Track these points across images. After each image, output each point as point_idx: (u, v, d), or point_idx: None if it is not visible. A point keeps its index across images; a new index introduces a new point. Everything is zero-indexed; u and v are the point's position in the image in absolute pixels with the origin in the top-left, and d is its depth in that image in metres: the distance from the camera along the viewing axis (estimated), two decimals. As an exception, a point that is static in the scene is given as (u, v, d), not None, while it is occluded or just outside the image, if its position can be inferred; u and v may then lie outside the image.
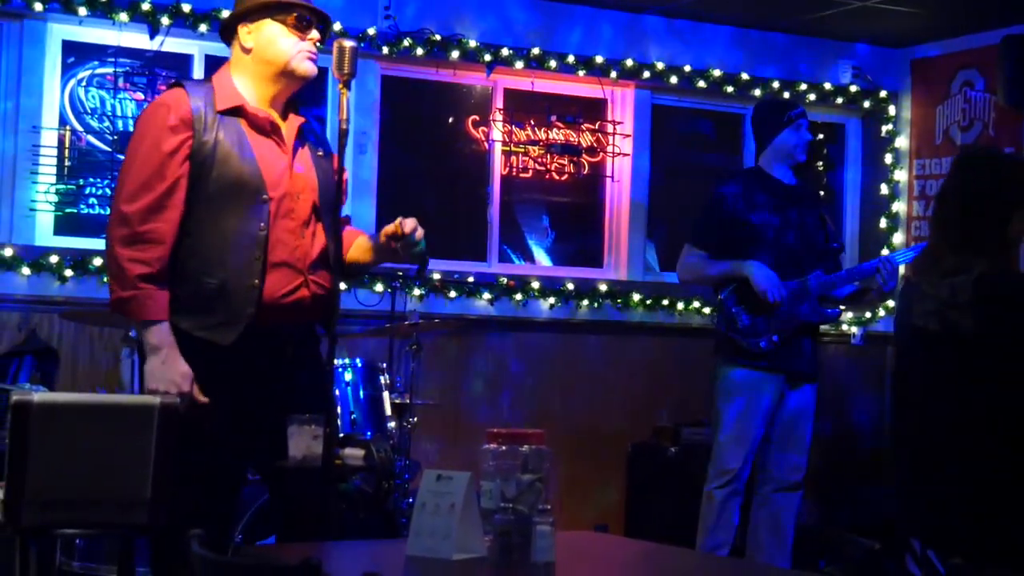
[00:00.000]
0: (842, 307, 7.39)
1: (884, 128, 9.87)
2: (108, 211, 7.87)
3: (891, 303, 9.37)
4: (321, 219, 4.69)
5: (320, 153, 4.77)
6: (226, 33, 4.79)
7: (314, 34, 4.67)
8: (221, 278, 4.54)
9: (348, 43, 4.49)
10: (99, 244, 7.91)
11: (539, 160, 9.03)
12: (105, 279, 7.74)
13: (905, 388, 4.67)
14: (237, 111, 4.61)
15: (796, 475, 7.23)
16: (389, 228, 4.62)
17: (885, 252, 9.66)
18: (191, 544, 3.24)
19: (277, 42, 4.65)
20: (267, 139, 4.65)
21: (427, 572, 3.48)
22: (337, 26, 8.14)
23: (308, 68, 4.66)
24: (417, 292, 8.41)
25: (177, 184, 4.53)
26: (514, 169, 8.99)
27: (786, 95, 9.42)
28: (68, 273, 7.73)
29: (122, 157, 7.81)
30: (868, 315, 9.75)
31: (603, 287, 9.04)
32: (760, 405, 7.07)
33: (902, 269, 7.15)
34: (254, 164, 4.57)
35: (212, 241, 4.56)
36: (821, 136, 9.92)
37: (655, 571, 3.94)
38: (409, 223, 4.60)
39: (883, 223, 9.83)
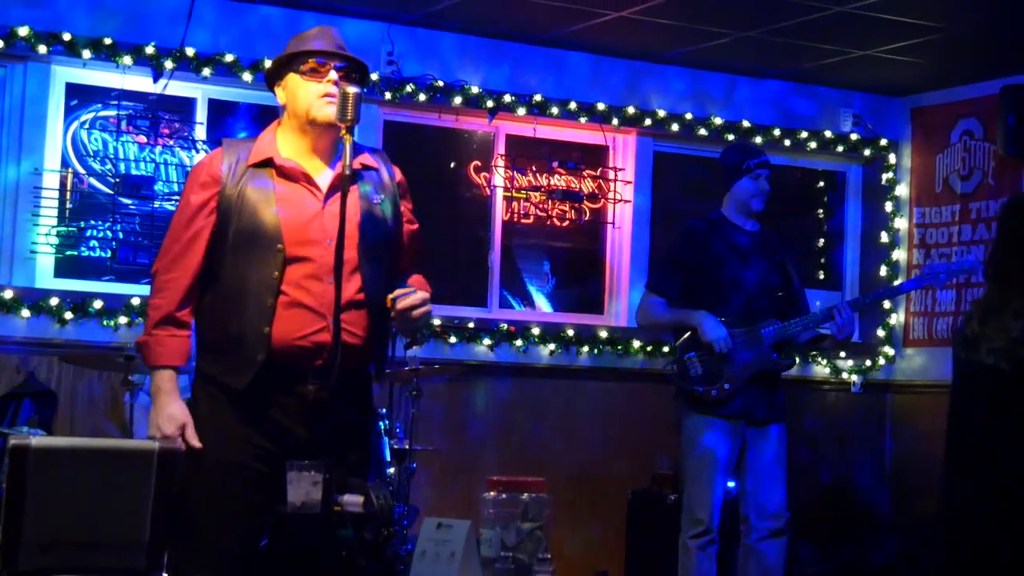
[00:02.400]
0: (797, 356, 7.35)
1: (884, 176, 9.87)
2: (108, 254, 7.94)
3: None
4: (361, 265, 4.67)
5: (379, 199, 4.75)
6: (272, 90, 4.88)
7: (332, 75, 4.64)
8: (238, 325, 4.59)
9: (352, 89, 4.47)
10: (99, 287, 7.91)
11: (540, 206, 9.02)
12: (104, 322, 7.75)
13: (967, 426, 4.67)
14: (268, 163, 4.67)
15: (778, 522, 7.14)
16: (391, 295, 4.61)
17: (887, 305, 9.65)
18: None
19: (297, 93, 4.67)
20: (299, 188, 4.68)
21: None
22: (340, 71, 8.13)
23: (326, 114, 4.62)
24: (418, 337, 8.39)
25: (199, 235, 4.64)
26: (515, 215, 8.99)
27: (787, 143, 9.43)
28: (68, 316, 7.70)
29: (123, 200, 7.95)
30: (868, 363, 9.71)
31: (603, 334, 9.01)
32: (722, 452, 7.02)
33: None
34: (274, 215, 4.61)
35: (231, 289, 4.62)
36: (822, 183, 9.94)
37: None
38: (405, 300, 4.58)
39: (883, 271, 9.81)
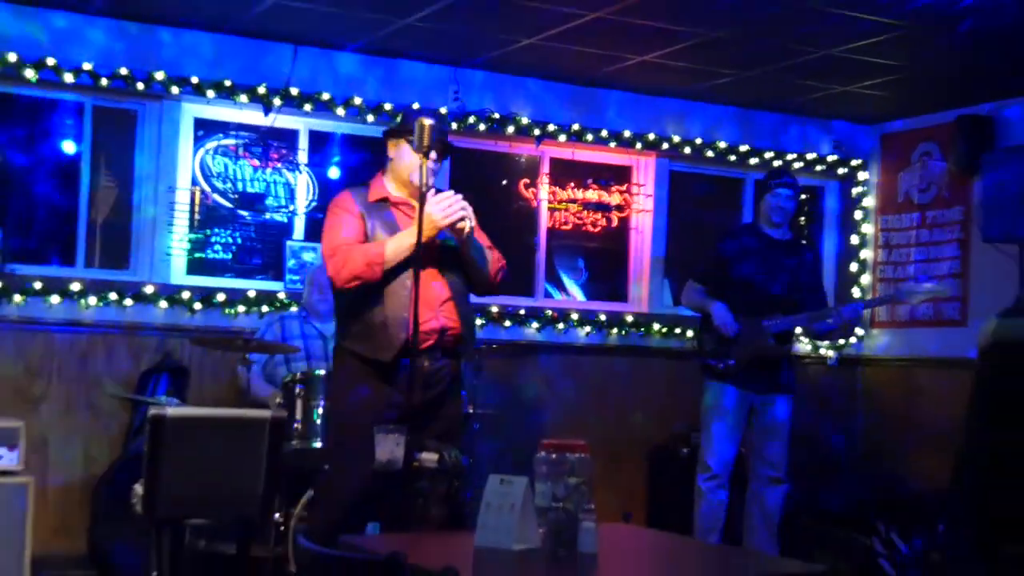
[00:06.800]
0: (791, 344, 7.38)
1: (855, 190, 9.69)
2: (229, 256, 7.87)
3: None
4: (449, 269, 5.11)
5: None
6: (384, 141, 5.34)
7: (432, 155, 4.90)
8: (382, 314, 4.98)
9: (428, 121, 4.54)
10: (222, 282, 7.83)
11: (577, 215, 8.93)
12: (226, 311, 7.68)
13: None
14: (385, 200, 5.13)
15: (778, 472, 7.20)
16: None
17: (857, 294, 9.52)
18: (298, 536, 3.10)
19: (403, 156, 5.15)
20: (407, 217, 5.12)
21: (493, 560, 3.39)
22: (416, 105, 8.05)
23: (416, 181, 5.00)
24: (479, 322, 8.27)
25: (360, 231, 5.15)
26: (557, 222, 8.88)
27: (777, 163, 9.28)
28: (197, 306, 7.62)
29: (241, 212, 7.88)
30: (842, 342, 9.57)
31: (629, 318, 8.89)
32: (730, 414, 7.12)
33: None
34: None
35: (377, 290, 5.02)
36: (805, 196, 9.78)
37: (673, 560, 3.78)
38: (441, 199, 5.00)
39: (854, 267, 9.65)
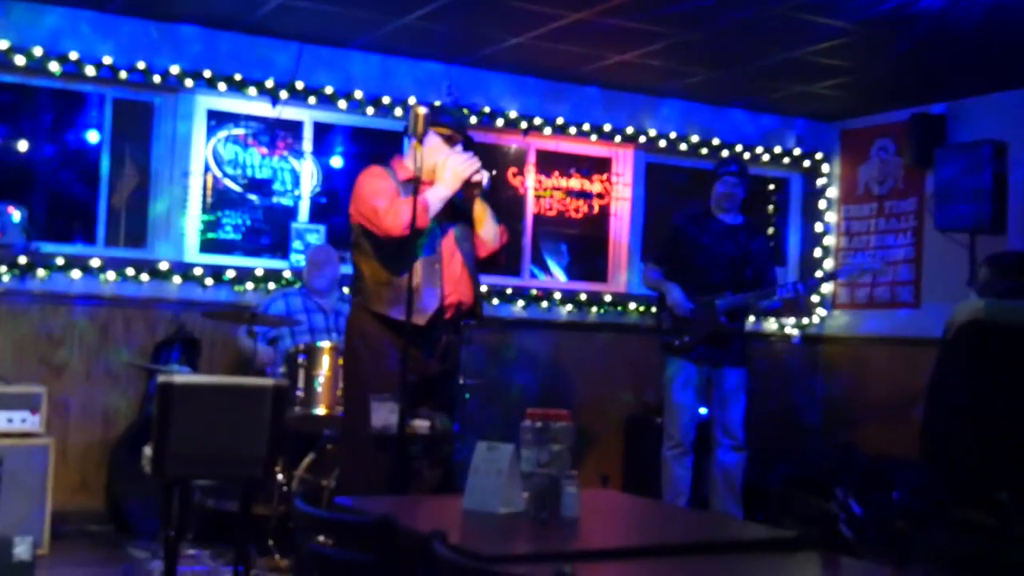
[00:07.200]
0: (743, 320, 7.29)
1: (819, 182, 9.62)
2: (239, 236, 7.77)
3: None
4: (462, 245, 5.15)
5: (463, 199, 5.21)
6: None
7: (458, 147, 5.13)
8: (416, 281, 4.93)
9: (421, 110, 4.52)
10: (231, 260, 7.75)
11: (561, 202, 8.86)
12: (235, 287, 7.59)
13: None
14: (411, 180, 5.00)
15: (736, 440, 7.13)
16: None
17: (820, 274, 9.46)
18: (296, 499, 3.03)
19: (433, 146, 5.11)
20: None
21: (480, 522, 3.31)
22: (412, 100, 7.98)
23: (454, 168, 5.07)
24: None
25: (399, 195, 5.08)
26: (542, 208, 8.81)
27: (746, 156, 9.20)
28: (208, 282, 7.54)
29: (249, 196, 7.79)
30: (805, 320, 9.49)
31: (608, 297, 8.81)
32: (689, 387, 7.04)
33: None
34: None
35: (411, 259, 4.91)
36: (772, 187, 9.72)
37: (650, 523, 3.71)
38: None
39: (817, 252, 9.58)
